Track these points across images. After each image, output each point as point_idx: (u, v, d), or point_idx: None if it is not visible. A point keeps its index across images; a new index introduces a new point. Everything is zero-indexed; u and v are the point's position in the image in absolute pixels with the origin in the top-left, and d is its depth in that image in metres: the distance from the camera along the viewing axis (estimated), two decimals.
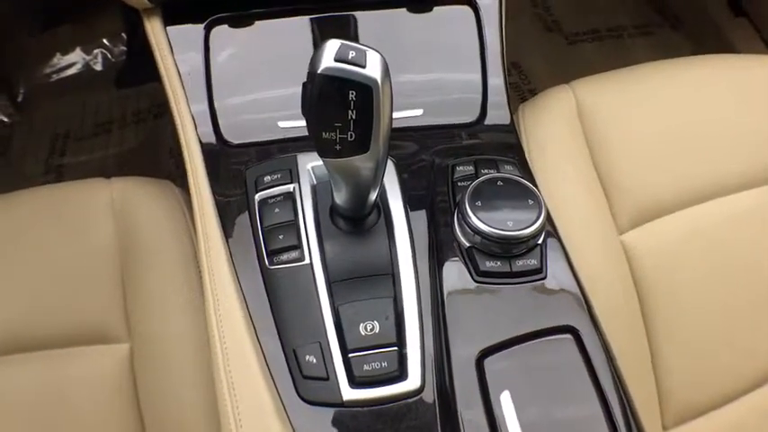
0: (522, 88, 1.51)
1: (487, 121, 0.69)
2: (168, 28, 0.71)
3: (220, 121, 0.67)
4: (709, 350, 0.74)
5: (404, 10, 0.72)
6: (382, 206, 0.58)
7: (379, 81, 0.43)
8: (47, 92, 1.53)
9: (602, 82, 0.85)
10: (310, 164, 0.61)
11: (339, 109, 0.44)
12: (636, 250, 0.75)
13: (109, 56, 1.57)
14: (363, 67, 0.43)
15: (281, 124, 0.67)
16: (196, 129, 0.67)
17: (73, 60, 1.55)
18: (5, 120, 1.50)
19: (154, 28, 0.71)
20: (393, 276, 0.55)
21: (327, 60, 0.43)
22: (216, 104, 0.68)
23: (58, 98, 1.51)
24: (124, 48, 1.59)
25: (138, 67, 1.54)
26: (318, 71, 0.43)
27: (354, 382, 0.51)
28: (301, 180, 0.60)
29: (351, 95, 0.44)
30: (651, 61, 0.89)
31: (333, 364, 0.51)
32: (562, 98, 0.82)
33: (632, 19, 1.65)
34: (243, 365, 0.52)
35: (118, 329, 0.72)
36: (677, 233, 0.76)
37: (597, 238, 0.75)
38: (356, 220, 0.56)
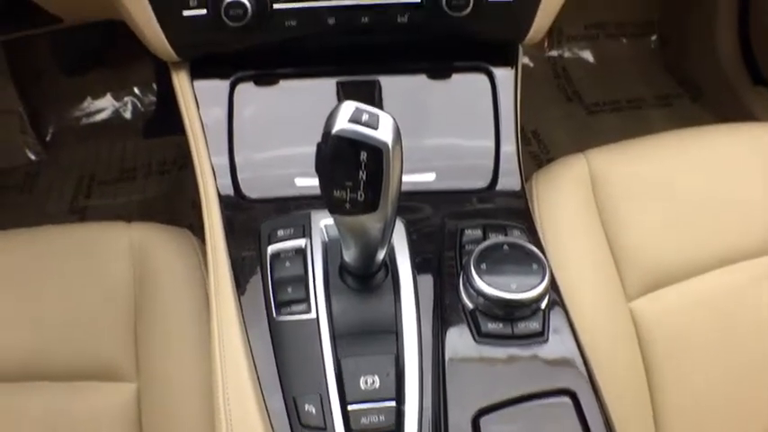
0: (541, 157, 1.53)
1: (499, 187, 0.70)
2: (195, 82, 0.74)
3: (239, 175, 0.69)
4: (714, 420, 0.73)
5: (423, 76, 0.75)
6: (390, 265, 0.59)
7: (390, 144, 0.45)
8: (75, 134, 1.58)
9: (617, 151, 0.86)
10: (323, 221, 0.62)
11: (351, 169, 0.45)
12: (644, 318, 0.75)
13: (138, 105, 1.62)
14: (376, 129, 0.45)
15: (298, 181, 0.68)
16: (215, 181, 0.69)
17: (103, 106, 1.61)
18: (33, 157, 1.54)
19: (181, 81, 0.74)
20: (397, 334, 0.56)
21: (341, 122, 0.45)
22: (236, 159, 0.70)
23: (86, 141, 1.56)
24: (154, 98, 1.64)
25: (166, 119, 1.58)
26: (332, 132, 0.45)
27: None
28: (313, 236, 0.61)
29: (362, 156, 0.45)
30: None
31: (331, 414, 0.52)
32: (576, 166, 0.83)
33: (652, 90, 1.68)
34: (243, 411, 0.53)
35: (127, 368, 0.73)
36: (685, 301, 0.76)
37: (605, 304, 0.75)
38: (364, 277, 0.57)
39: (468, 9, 0.66)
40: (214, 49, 0.72)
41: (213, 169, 0.69)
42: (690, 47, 1.61)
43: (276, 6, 0.67)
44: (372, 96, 0.71)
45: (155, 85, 1.62)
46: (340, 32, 0.70)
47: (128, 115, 1.62)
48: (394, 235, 0.60)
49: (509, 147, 0.72)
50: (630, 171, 0.83)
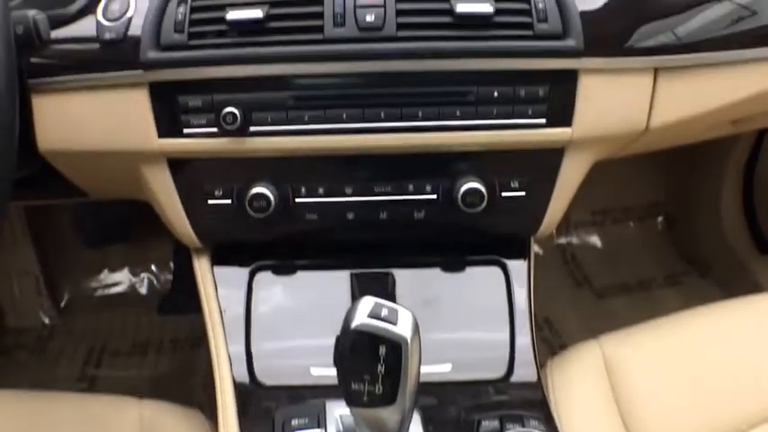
0: (553, 343, 1.52)
1: (514, 378, 0.70)
2: (215, 268, 0.77)
3: (255, 363, 0.70)
4: None
5: (437, 269, 0.78)
6: None
7: (409, 339, 0.46)
8: (90, 303, 1.61)
9: (630, 336, 0.87)
10: (338, 411, 0.61)
11: (369, 362, 0.46)
12: None
13: (155, 281, 1.66)
14: (395, 324, 0.46)
15: (313, 371, 0.69)
16: (231, 368, 0.69)
17: (119, 279, 1.65)
18: (46, 321, 1.56)
19: (202, 266, 0.77)
20: None
21: (361, 317, 0.46)
22: (252, 346, 0.71)
23: (100, 311, 1.58)
24: (170, 277, 1.68)
25: (181, 298, 1.61)
26: (352, 326, 0.46)
27: None
28: (328, 427, 0.60)
29: (381, 351, 0.46)
30: (680, 310, 0.92)
31: None
32: (590, 353, 0.83)
33: (661, 270, 1.70)
34: None
35: None
36: None
37: None
38: None
39: (483, 205, 0.69)
40: (236, 238, 0.75)
41: (229, 356, 0.70)
42: (696, 224, 1.67)
43: (298, 200, 0.71)
44: (387, 289, 0.74)
45: (172, 265, 1.66)
46: (359, 226, 0.73)
47: (143, 290, 1.65)
48: (411, 427, 0.59)
49: (524, 338, 0.73)
50: (644, 354, 0.84)
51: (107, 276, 1.65)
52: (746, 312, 0.92)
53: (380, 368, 0.47)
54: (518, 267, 0.77)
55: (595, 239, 1.77)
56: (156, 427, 0.78)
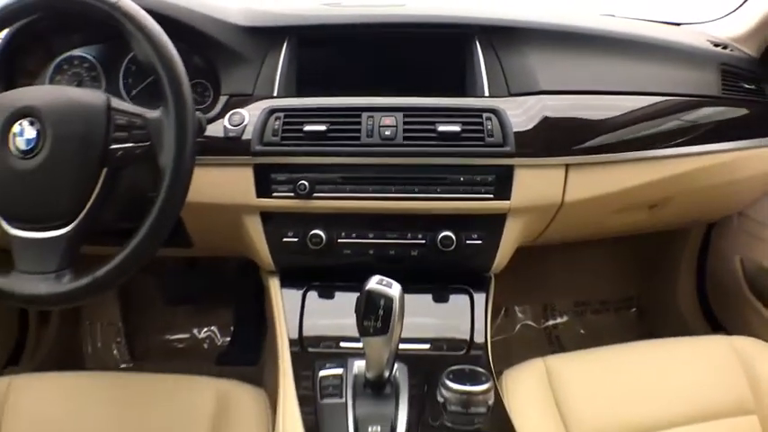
0: None
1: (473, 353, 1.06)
2: (282, 289, 1.16)
3: (304, 342, 1.07)
4: None
5: (427, 293, 1.15)
6: (394, 383, 0.94)
7: (397, 297, 0.85)
8: (160, 352, 1.90)
9: (569, 356, 1.19)
10: (355, 363, 0.96)
11: (374, 309, 0.85)
12: None
13: (215, 340, 2.02)
14: (390, 288, 0.85)
15: (342, 344, 1.05)
16: (289, 344, 1.06)
17: (186, 335, 1.97)
18: (122, 365, 1.88)
19: (273, 284, 1.16)
20: (396, 411, 0.90)
21: (371, 284, 0.85)
22: (303, 332, 1.08)
23: (169, 360, 1.89)
24: (227, 339, 2.04)
25: (236, 353, 1.94)
26: (366, 288, 0.85)
27: None
28: (348, 368, 0.96)
29: (381, 302, 0.85)
30: None
31: None
32: (535, 365, 1.14)
33: None
34: None
35: None
36: None
37: None
38: (377, 386, 0.91)
39: (453, 247, 1.10)
40: (298, 264, 1.15)
41: (289, 338, 1.08)
42: (660, 310, 1.91)
43: (339, 240, 1.12)
44: None
45: (232, 328, 2.04)
46: (376, 260, 1.13)
47: (204, 346, 2.00)
48: (398, 371, 0.95)
49: (480, 338, 1.09)
50: (578, 368, 1.13)
51: (177, 331, 1.99)
52: (665, 346, 1.21)
53: (380, 312, 0.85)
54: (480, 296, 1.14)
55: (577, 325, 2.07)
56: (229, 399, 1.07)
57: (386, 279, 0.87)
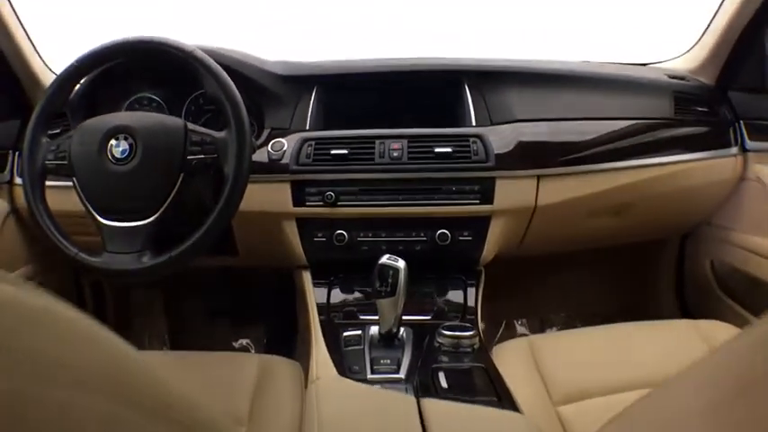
0: None
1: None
2: (313, 280, 1.45)
3: (332, 316, 1.34)
4: None
5: (430, 282, 1.42)
6: (402, 339, 1.21)
7: (402, 268, 1.13)
8: None
9: (551, 335, 1.44)
10: (372, 329, 1.23)
11: (385, 277, 1.13)
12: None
13: (251, 350, 2.30)
14: (397, 262, 1.14)
15: (360, 317, 1.32)
16: (319, 321, 1.33)
17: (223, 347, 2.23)
18: None
19: (306, 277, 1.44)
20: (401, 355, 1.17)
21: (383, 259, 1.14)
22: (330, 313, 1.35)
23: None
24: (262, 350, 2.30)
25: None
26: (379, 263, 1.14)
27: None
28: (366, 332, 1.24)
29: (390, 272, 1.13)
30: None
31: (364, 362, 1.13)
32: (520, 342, 1.37)
33: None
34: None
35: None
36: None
37: (537, 407, 1.25)
38: (388, 338, 1.18)
39: (448, 242, 1.39)
40: (325, 258, 1.43)
41: (319, 318, 1.35)
42: (645, 319, 2.11)
43: (358, 239, 1.41)
44: None
45: (265, 340, 2.30)
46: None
47: None
48: (405, 333, 1.22)
49: (471, 314, 1.36)
50: (558, 344, 1.31)
51: (214, 343, 2.23)
52: (637, 327, 1.36)
53: (389, 279, 1.13)
54: (472, 282, 1.42)
55: None
56: (271, 372, 1.31)
57: (394, 256, 1.15)
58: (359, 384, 1.07)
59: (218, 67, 1.22)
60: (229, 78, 1.21)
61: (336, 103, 1.53)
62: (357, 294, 1.40)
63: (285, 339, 2.10)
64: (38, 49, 1.62)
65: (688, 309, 1.99)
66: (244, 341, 2.30)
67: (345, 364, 1.14)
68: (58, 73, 1.27)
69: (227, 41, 1.50)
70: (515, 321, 2.32)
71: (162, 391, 0.36)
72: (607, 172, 1.46)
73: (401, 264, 1.13)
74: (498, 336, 2.22)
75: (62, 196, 1.27)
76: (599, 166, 1.45)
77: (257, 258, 1.66)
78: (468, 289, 1.41)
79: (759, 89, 1.62)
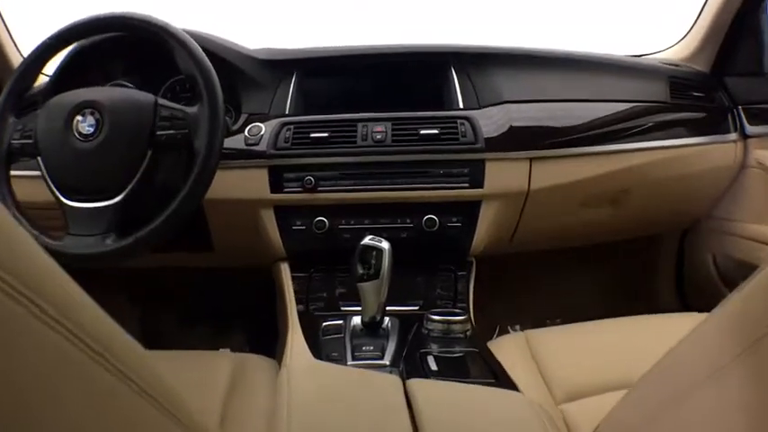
0: None
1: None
2: (292, 273, 1.36)
3: (310, 307, 1.26)
4: None
5: (420, 273, 1.33)
6: (386, 329, 1.12)
7: (386, 249, 1.05)
8: None
9: (546, 329, 1.33)
10: (354, 319, 1.14)
11: (367, 259, 1.05)
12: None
13: None
14: (380, 243, 1.06)
15: (342, 307, 1.24)
16: (297, 312, 1.24)
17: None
18: None
19: (284, 268, 1.35)
20: (385, 342, 1.08)
21: (366, 240, 1.06)
22: (309, 304, 1.26)
23: None
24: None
25: None
26: (362, 243, 1.06)
27: None
28: (346, 323, 1.14)
29: (373, 253, 1.05)
30: None
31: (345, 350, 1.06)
32: (516, 336, 1.28)
33: None
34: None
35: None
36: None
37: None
38: (371, 327, 1.09)
39: (436, 228, 1.30)
40: (305, 248, 1.35)
41: (297, 309, 1.26)
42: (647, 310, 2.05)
43: (340, 226, 1.33)
44: None
45: (247, 349, 2.19)
46: None
47: None
48: (390, 322, 1.14)
49: (462, 303, 1.28)
50: (553, 337, 1.24)
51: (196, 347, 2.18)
52: (638, 320, 1.30)
53: (372, 261, 1.05)
54: (463, 274, 1.34)
55: None
56: (244, 370, 1.19)
57: (377, 237, 1.07)
58: (336, 365, 0.98)
59: (192, 40, 1.15)
60: (203, 52, 1.15)
61: (318, 89, 1.46)
62: (338, 285, 1.31)
63: (268, 346, 2.01)
64: (14, 38, 1.57)
65: (689, 309, 1.92)
66: (225, 350, 2.20)
67: (324, 352, 1.05)
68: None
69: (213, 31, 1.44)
70: (509, 327, 2.24)
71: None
72: (602, 155, 1.39)
73: (385, 245, 1.05)
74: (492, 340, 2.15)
75: (32, 187, 1.21)
76: (594, 148, 1.38)
77: (234, 254, 1.57)
78: (459, 279, 1.32)
79: (756, 73, 1.57)
